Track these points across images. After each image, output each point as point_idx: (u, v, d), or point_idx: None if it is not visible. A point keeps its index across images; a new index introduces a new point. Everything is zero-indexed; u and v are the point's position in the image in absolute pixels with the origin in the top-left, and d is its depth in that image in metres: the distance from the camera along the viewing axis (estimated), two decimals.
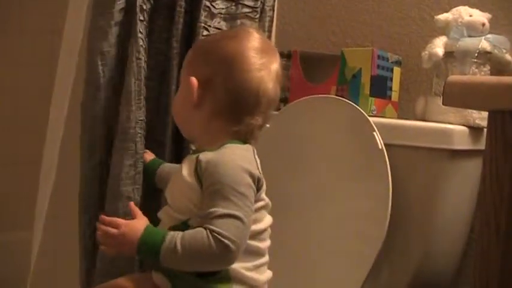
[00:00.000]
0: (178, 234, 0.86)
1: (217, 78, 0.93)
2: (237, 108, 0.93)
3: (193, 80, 0.94)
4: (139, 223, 0.92)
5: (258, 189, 0.91)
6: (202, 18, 1.17)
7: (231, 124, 0.94)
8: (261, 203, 0.93)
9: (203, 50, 0.98)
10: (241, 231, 0.85)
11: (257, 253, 0.94)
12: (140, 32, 1.10)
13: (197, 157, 0.91)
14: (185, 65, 1.01)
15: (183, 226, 0.90)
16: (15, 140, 1.82)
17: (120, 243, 0.91)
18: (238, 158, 0.90)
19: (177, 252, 0.85)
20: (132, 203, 0.99)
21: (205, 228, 0.84)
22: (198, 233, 0.85)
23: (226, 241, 0.83)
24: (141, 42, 1.10)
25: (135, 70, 1.09)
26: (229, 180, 0.87)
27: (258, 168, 0.93)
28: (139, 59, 1.10)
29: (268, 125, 1.00)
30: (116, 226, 0.91)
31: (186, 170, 0.93)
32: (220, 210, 0.85)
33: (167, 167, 1.11)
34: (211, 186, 0.87)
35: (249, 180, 0.89)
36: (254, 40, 0.96)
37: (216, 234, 0.83)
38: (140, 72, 1.10)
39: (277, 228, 0.98)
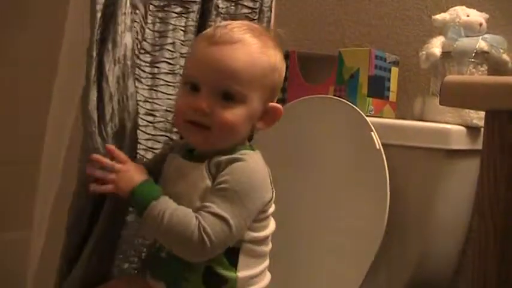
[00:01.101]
0: (173, 205, 0.86)
1: (275, 91, 0.95)
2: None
3: (281, 108, 0.94)
4: (145, 172, 0.93)
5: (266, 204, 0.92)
6: (213, 17, 1.17)
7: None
8: (271, 210, 0.94)
9: (258, 67, 0.90)
10: (225, 237, 0.85)
11: (262, 256, 0.94)
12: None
13: (209, 160, 0.89)
14: (251, 81, 0.89)
15: None
16: (14, 139, 1.82)
17: (120, 178, 0.91)
18: (260, 178, 0.90)
19: (163, 219, 0.85)
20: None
21: (196, 218, 0.85)
22: (190, 217, 0.85)
23: (206, 238, 0.83)
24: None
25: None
26: (242, 190, 0.87)
27: (269, 176, 0.92)
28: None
29: None
30: (122, 161, 0.94)
31: (195, 178, 0.90)
32: (217, 209, 0.85)
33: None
34: (222, 184, 0.87)
35: (258, 204, 0.89)
36: (274, 38, 0.96)
37: (201, 227, 0.84)
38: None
39: (276, 228, 0.98)
